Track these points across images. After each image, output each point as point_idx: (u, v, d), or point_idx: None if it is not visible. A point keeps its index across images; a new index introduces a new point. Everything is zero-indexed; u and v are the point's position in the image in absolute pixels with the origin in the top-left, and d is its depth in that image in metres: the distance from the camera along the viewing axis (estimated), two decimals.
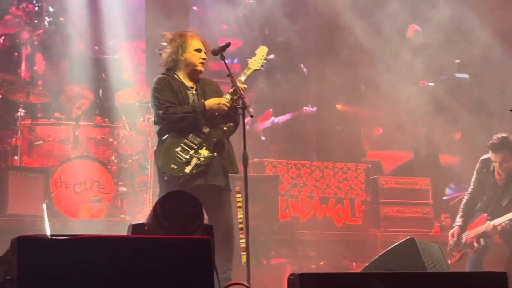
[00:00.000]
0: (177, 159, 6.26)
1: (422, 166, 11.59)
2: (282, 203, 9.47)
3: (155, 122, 6.54)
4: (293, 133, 12.33)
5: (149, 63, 12.52)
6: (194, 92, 6.51)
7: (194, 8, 13.49)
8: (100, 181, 9.27)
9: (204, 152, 6.29)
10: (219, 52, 6.46)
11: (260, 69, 6.57)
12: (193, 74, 6.56)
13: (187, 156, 6.26)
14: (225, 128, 6.38)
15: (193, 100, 6.44)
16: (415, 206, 10.36)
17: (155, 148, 6.53)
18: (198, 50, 6.51)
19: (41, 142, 9.71)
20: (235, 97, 6.34)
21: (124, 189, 9.84)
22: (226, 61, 6.43)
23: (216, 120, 6.40)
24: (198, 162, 6.26)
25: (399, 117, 11.79)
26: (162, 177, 6.34)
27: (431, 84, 12.13)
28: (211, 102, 6.36)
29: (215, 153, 6.30)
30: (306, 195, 9.93)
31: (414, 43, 12.00)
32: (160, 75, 6.55)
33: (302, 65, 12.66)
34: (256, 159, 9.90)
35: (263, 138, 12.66)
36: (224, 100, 6.35)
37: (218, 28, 12.34)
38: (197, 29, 6.82)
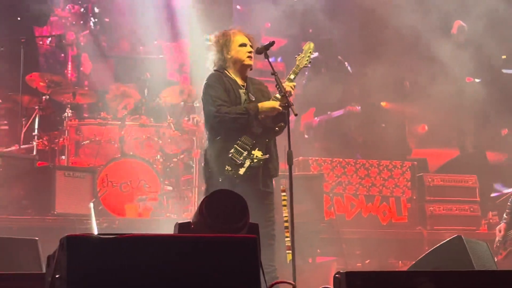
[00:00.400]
0: (231, 161, 6.27)
1: (468, 163, 11.46)
2: (327, 202, 9.45)
3: (206, 119, 6.52)
4: (337, 131, 12.29)
5: (193, 62, 12.57)
6: (245, 91, 6.50)
7: (238, 7, 13.52)
8: (146, 180, 9.35)
9: (257, 153, 6.29)
10: (263, 50, 6.44)
11: (308, 66, 6.55)
12: (243, 70, 6.53)
13: (241, 158, 6.27)
14: (276, 129, 6.37)
15: (245, 100, 6.43)
16: (462, 204, 10.24)
17: (206, 148, 6.51)
18: (243, 45, 6.49)
19: (87, 141, 9.82)
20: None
21: (169, 188, 9.90)
22: (270, 59, 6.43)
23: (267, 121, 6.39)
24: (252, 163, 6.27)
25: (445, 113, 11.68)
26: (214, 178, 6.32)
27: (477, 80, 11.99)
28: (264, 106, 6.34)
29: (268, 155, 6.31)
30: (351, 193, 9.89)
31: (459, 39, 11.88)
32: (213, 72, 6.55)
33: (346, 63, 12.60)
34: (300, 158, 9.89)
35: (306, 136, 12.63)
36: (277, 104, 6.32)
37: (262, 26, 12.36)
38: (240, 25, 6.80)
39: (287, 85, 6.34)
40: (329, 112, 12.45)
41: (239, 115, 6.30)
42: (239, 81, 6.51)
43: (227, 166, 6.26)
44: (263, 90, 6.57)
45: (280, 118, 6.39)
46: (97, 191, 9.03)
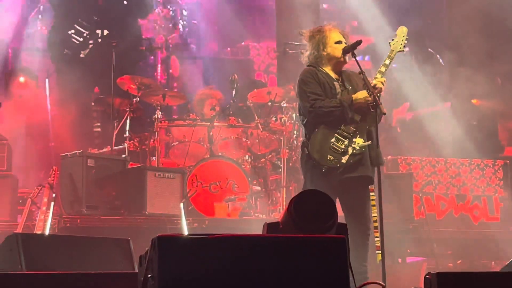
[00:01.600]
0: (333, 150, 6.28)
1: None
2: (417, 201, 9.34)
3: (300, 114, 6.60)
4: (428, 128, 12.09)
5: (280, 63, 12.59)
6: (340, 83, 6.49)
7: (324, 6, 13.48)
8: (235, 181, 9.40)
9: (359, 141, 6.29)
10: (350, 50, 6.43)
11: (403, 50, 6.47)
12: (337, 66, 6.54)
13: (343, 146, 6.28)
14: (376, 116, 6.29)
15: (341, 91, 6.42)
16: None
17: (305, 139, 6.52)
18: (339, 42, 6.50)
19: (177, 143, 9.94)
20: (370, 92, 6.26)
21: (258, 188, 9.94)
22: (357, 58, 6.40)
23: (366, 108, 6.32)
24: (354, 151, 6.27)
25: None
26: (317, 169, 6.33)
27: None
28: (359, 96, 6.32)
29: (370, 141, 6.28)
30: (442, 193, 9.74)
31: None
32: (307, 67, 6.58)
33: (438, 55, 12.36)
34: (389, 157, 9.79)
35: (398, 130, 12.46)
36: (366, 94, 6.28)
37: (349, 25, 12.28)
38: (334, 22, 6.78)
39: (377, 81, 6.30)
40: (423, 108, 12.21)
41: (334, 108, 6.31)
42: (333, 75, 6.51)
43: (329, 156, 6.27)
44: (356, 81, 6.48)
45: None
46: (187, 192, 9.13)
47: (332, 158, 6.27)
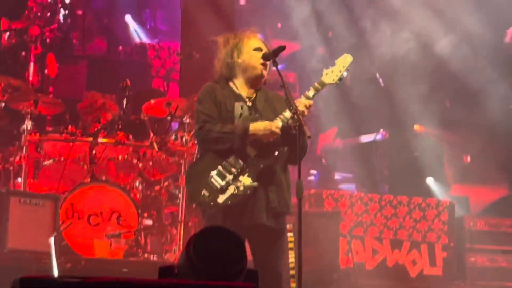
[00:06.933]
0: (211, 184, 6.27)
1: None
2: (343, 246, 9.44)
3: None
4: (360, 159, 12.28)
5: (184, 68, 12.60)
6: (249, 104, 6.46)
7: (241, 2, 13.57)
8: (121, 212, 9.35)
9: (246, 180, 6.26)
10: (271, 57, 6.42)
11: (336, 83, 6.42)
12: (254, 81, 6.49)
13: (223, 183, 6.26)
14: (276, 153, 6.30)
15: (241, 115, 6.41)
16: (511, 254, 10.24)
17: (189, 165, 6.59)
18: (258, 49, 6.48)
19: (50, 161, 9.83)
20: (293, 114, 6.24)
21: (149, 222, 9.90)
22: (279, 67, 6.42)
23: (268, 142, 6.37)
24: (236, 191, 6.24)
25: (493, 142, 11.67)
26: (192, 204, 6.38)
27: None
28: (256, 126, 6.28)
29: (256, 183, 6.25)
30: (374, 237, 9.89)
31: None
32: (209, 82, 6.57)
33: (377, 74, 12.54)
34: (313, 190, 9.88)
35: (323, 161, 12.62)
36: (273, 126, 6.26)
37: (271, 27, 12.40)
38: (254, 27, 6.76)
39: (301, 103, 6.28)
40: (357, 137, 12.39)
41: (223, 134, 6.28)
42: (246, 93, 6.49)
43: (204, 191, 6.24)
44: (275, 106, 6.48)
45: (285, 140, 6.32)
46: (59, 224, 9.02)
47: (206, 194, 6.24)
